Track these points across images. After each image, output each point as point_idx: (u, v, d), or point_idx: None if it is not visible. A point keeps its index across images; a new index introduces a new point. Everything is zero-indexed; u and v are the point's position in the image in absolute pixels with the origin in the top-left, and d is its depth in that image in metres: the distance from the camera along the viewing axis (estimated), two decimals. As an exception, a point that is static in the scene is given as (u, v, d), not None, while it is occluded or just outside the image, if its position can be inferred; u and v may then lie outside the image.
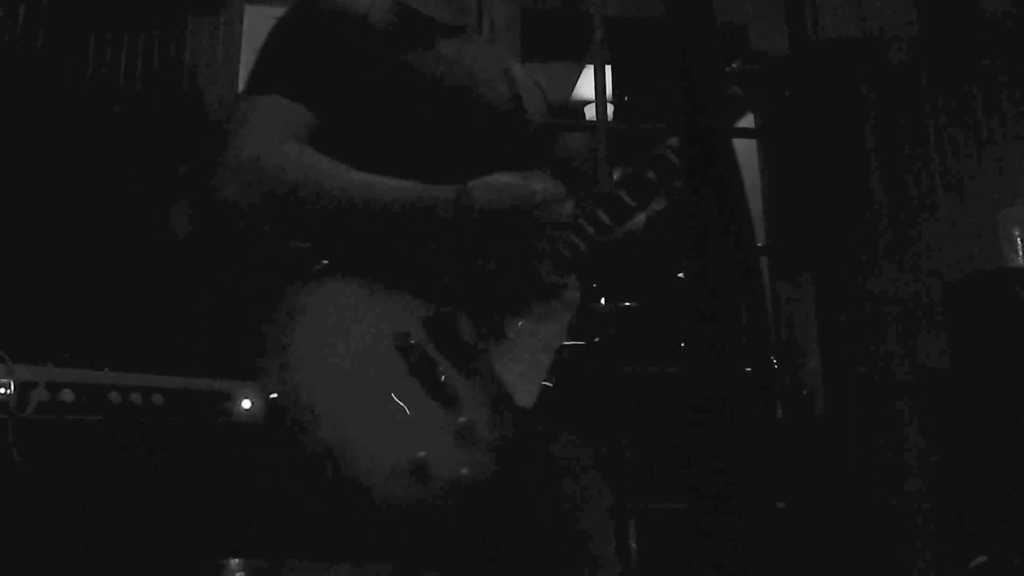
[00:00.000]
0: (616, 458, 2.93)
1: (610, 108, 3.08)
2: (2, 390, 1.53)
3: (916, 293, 3.01)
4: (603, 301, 2.36)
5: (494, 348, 1.03)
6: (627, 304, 2.92)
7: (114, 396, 1.69)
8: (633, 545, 2.91)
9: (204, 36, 2.91)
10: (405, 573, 0.98)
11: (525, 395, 1.00)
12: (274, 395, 0.96)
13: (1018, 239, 2.65)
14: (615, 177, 1.13)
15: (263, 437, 1.03)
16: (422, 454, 0.92)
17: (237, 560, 1.83)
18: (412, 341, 0.98)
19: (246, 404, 1.96)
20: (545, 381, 1.04)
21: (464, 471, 0.93)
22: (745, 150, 3.31)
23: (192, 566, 1.75)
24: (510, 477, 0.98)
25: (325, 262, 1.03)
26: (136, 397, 1.73)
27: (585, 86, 3.90)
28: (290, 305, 0.99)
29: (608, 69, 3.12)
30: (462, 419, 0.96)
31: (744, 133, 3.33)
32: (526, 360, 1.03)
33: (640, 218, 1.22)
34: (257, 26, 2.93)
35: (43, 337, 1.89)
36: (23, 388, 1.55)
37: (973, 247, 2.93)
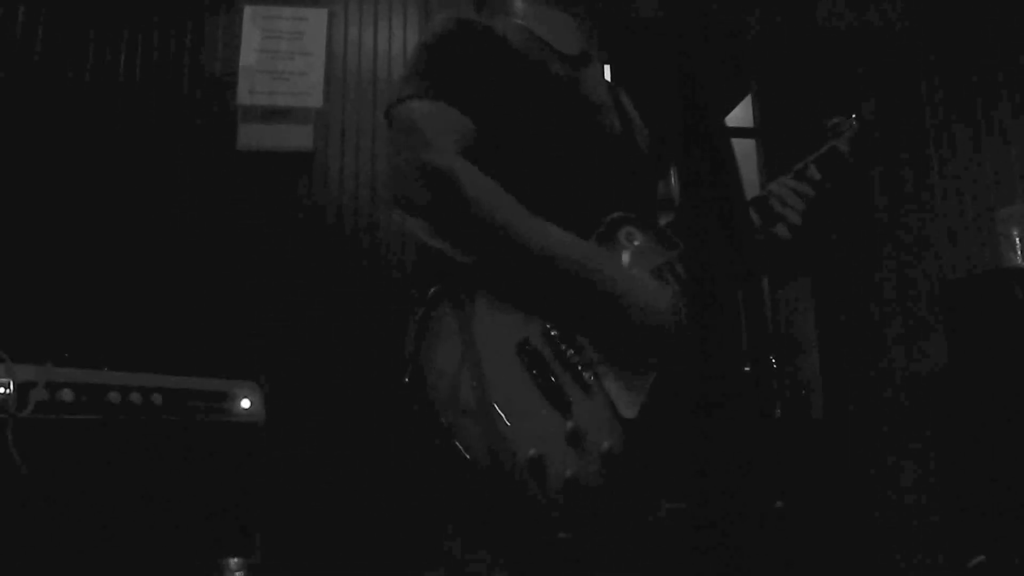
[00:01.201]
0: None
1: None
2: (2, 390, 1.53)
3: (915, 293, 3.01)
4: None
5: (606, 364, 1.10)
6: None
7: (113, 396, 1.69)
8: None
9: (204, 35, 2.91)
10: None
11: (629, 408, 1.08)
12: (406, 379, 1.05)
13: (1017, 239, 2.65)
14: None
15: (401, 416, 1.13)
16: (534, 452, 0.99)
17: (237, 560, 1.84)
18: (535, 350, 1.07)
19: (245, 403, 1.97)
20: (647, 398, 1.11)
21: (573, 472, 1.00)
22: (744, 150, 3.31)
23: (192, 566, 1.75)
24: (614, 484, 1.05)
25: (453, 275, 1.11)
26: (136, 397, 1.73)
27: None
28: (429, 310, 1.08)
29: (607, 69, 3.12)
30: (573, 425, 1.03)
31: (744, 133, 3.33)
32: (633, 377, 1.11)
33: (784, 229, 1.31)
34: (256, 25, 2.93)
35: (43, 337, 1.89)
36: (23, 388, 1.55)
37: (972, 247, 2.93)
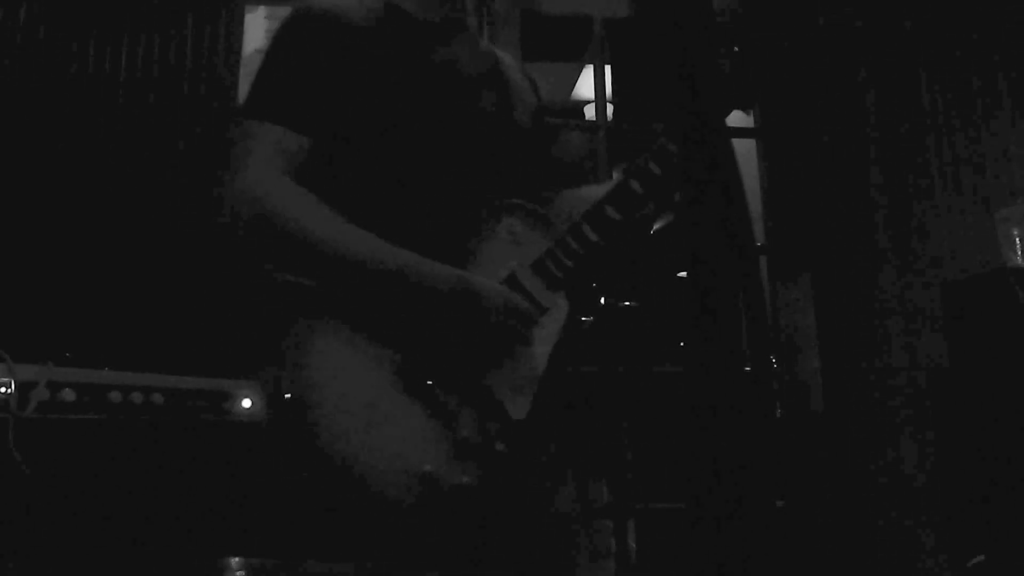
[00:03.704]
0: (616, 458, 2.94)
1: (610, 108, 3.08)
2: (3, 389, 1.53)
3: (915, 293, 3.01)
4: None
5: (488, 368, 1.09)
6: (627, 304, 2.92)
7: (114, 395, 1.69)
8: (633, 544, 2.92)
9: (204, 36, 2.91)
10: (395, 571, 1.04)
11: (518, 409, 1.08)
12: (288, 395, 1.06)
13: (1017, 239, 2.65)
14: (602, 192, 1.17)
15: (275, 441, 1.13)
16: (428, 468, 1.00)
17: (237, 560, 1.84)
18: (413, 366, 1.07)
19: (246, 403, 1.97)
20: (536, 394, 1.10)
21: (465, 480, 1.01)
22: (745, 150, 3.31)
23: (192, 566, 1.75)
24: (506, 485, 1.06)
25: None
26: (136, 397, 1.73)
27: (585, 86, 3.91)
28: (302, 332, 1.07)
29: (608, 69, 3.13)
30: (460, 434, 1.04)
31: (744, 133, 3.33)
32: (518, 376, 1.10)
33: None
34: (257, 27, 2.93)
35: (43, 337, 1.89)
36: (24, 388, 1.55)
37: (972, 247, 2.93)
